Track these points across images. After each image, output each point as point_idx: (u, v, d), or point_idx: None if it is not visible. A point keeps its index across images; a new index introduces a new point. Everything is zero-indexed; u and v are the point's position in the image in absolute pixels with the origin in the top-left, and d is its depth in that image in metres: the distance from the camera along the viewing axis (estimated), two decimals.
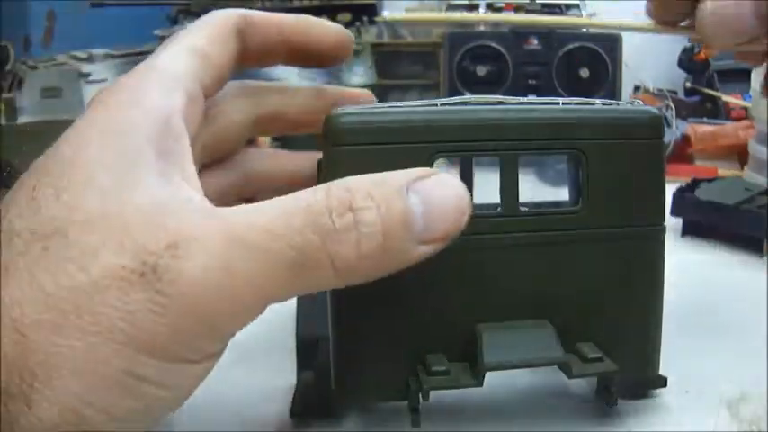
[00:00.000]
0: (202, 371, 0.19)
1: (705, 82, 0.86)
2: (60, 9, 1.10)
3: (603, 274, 0.25)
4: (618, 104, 0.26)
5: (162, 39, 0.96)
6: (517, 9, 0.81)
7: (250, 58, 0.26)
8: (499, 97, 0.25)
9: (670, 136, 0.69)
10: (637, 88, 0.94)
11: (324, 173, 0.23)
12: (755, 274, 0.43)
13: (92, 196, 0.18)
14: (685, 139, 0.69)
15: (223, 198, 0.28)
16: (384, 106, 0.24)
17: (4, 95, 0.80)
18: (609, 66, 0.77)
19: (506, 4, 0.81)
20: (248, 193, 0.29)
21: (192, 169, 0.20)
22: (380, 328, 0.23)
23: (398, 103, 0.24)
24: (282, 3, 1.04)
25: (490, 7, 0.82)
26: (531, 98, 0.26)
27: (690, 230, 0.50)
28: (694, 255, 0.47)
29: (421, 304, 0.24)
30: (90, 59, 0.83)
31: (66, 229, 0.17)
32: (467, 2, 0.84)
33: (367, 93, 0.29)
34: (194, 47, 0.23)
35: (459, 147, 0.24)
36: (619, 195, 0.24)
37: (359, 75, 0.84)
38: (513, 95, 0.26)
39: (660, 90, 0.84)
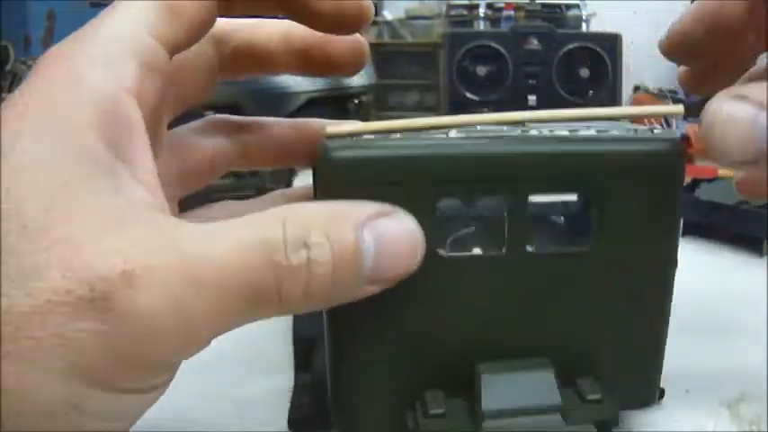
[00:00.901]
0: (147, 401, 0.18)
1: None
2: (60, 9, 1.10)
3: (610, 312, 0.24)
4: (636, 131, 0.24)
5: None
6: (517, 9, 0.81)
7: (236, 7, 0.22)
8: (521, 114, 0.22)
9: None
10: (637, 88, 0.94)
11: None
12: (755, 274, 0.43)
13: (29, 202, 0.15)
14: (685, 139, 0.69)
15: (217, 169, 0.26)
16: (381, 136, 0.22)
17: (4, 95, 0.81)
18: (609, 66, 0.77)
19: (506, 3, 0.81)
20: (246, 164, 0.28)
21: (146, 162, 0.18)
22: (379, 362, 0.23)
23: (401, 128, 0.22)
24: None
25: (490, 7, 0.82)
26: (550, 130, 0.23)
27: (690, 230, 0.50)
28: (694, 255, 0.47)
29: (420, 339, 0.23)
30: None
31: None
32: (467, 2, 0.85)
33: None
34: None
35: (465, 187, 0.22)
36: (632, 234, 0.23)
37: (359, 75, 0.84)
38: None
39: (660, 90, 0.84)
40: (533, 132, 0.22)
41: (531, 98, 0.76)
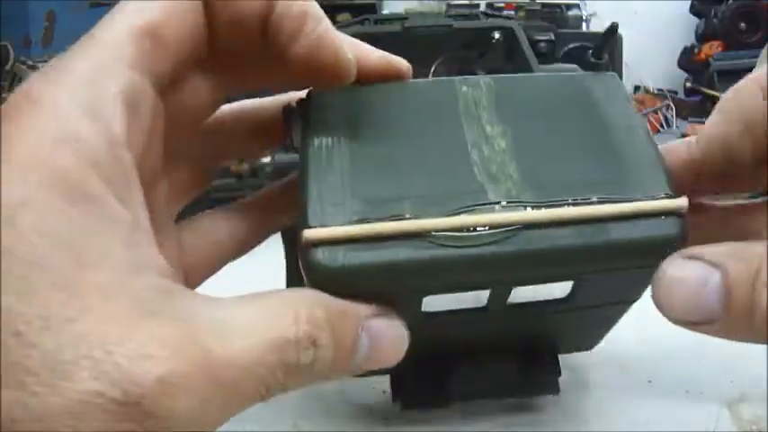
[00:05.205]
0: None
1: (705, 82, 0.86)
2: (60, 9, 1.10)
3: (577, 326, 0.27)
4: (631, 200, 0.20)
5: None
6: (517, 9, 0.81)
7: (220, 34, 0.21)
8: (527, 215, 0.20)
9: (670, 136, 0.69)
10: (637, 88, 0.94)
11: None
12: None
13: (43, 282, 0.15)
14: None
15: (194, 165, 0.25)
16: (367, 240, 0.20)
17: (4, 95, 0.80)
18: (609, 66, 0.77)
19: (506, 3, 0.81)
20: (216, 152, 0.26)
21: (146, 221, 0.18)
22: None
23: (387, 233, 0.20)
24: None
25: (490, 7, 0.82)
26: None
27: None
28: None
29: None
30: None
31: (17, 326, 0.14)
32: (467, 1, 0.85)
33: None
34: (143, 24, 0.18)
35: (452, 287, 0.21)
36: (613, 289, 0.24)
37: None
38: None
39: (660, 90, 0.85)
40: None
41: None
